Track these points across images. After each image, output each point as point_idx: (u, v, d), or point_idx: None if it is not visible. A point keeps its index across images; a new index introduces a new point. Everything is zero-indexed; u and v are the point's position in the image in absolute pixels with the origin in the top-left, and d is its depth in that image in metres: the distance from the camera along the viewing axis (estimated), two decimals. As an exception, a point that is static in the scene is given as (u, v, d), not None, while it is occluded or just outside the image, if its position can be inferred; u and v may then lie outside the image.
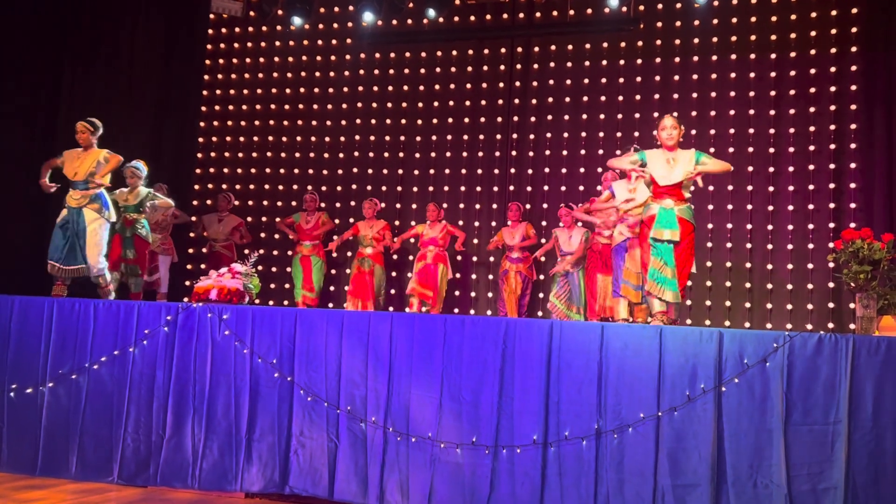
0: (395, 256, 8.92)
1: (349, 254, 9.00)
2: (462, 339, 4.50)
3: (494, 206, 8.77)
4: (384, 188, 9.15)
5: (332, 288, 9.13)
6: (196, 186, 9.52)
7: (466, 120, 9.02)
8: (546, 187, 8.65)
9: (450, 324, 4.54)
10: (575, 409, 4.27)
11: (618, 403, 4.22)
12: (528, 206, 8.62)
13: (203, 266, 8.63)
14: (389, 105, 9.27)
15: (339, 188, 9.25)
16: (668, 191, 4.96)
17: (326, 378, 4.67)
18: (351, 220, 8.85)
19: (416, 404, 4.51)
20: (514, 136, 8.87)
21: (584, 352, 4.32)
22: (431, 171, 9.03)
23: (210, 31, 9.80)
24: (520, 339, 4.42)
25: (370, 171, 9.22)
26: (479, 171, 8.92)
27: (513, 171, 8.82)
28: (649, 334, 4.26)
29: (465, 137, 9.00)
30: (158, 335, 4.94)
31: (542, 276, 8.34)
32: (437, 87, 9.15)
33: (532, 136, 8.82)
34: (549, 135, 8.74)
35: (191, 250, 8.99)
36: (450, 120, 9.07)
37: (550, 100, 8.79)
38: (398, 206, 9.12)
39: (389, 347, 4.61)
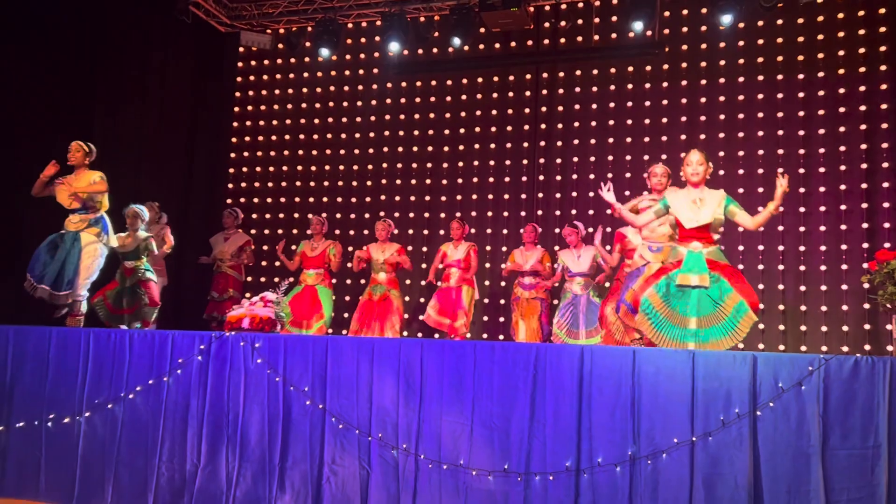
0: (421, 282, 8.74)
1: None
2: (492, 365, 4.49)
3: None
4: (412, 215, 9.22)
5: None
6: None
7: (493, 146, 9.10)
8: (574, 211, 8.67)
9: (479, 350, 4.55)
10: (608, 436, 4.24)
11: (651, 429, 4.18)
12: (556, 230, 8.61)
13: (213, 292, 8.28)
14: (416, 133, 9.38)
15: (366, 215, 9.34)
16: (695, 234, 4.72)
17: (358, 405, 4.70)
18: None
19: (447, 431, 4.50)
20: (541, 160, 8.94)
21: (616, 377, 4.28)
22: (459, 197, 9.12)
23: (240, 64, 10.03)
24: (550, 365, 4.40)
25: (397, 198, 9.32)
26: (506, 197, 8.99)
27: (540, 195, 8.88)
28: (682, 358, 4.23)
29: (492, 163, 9.08)
30: (192, 364, 5.00)
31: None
32: (463, 114, 9.26)
33: (559, 161, 8.87)
34: (575, 159, 8.79)
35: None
36: (476, 146, 9.16)
37: (577, 124, 8.85)
38: (426, 232, 9.18)
39: (420, 374, 4.59)
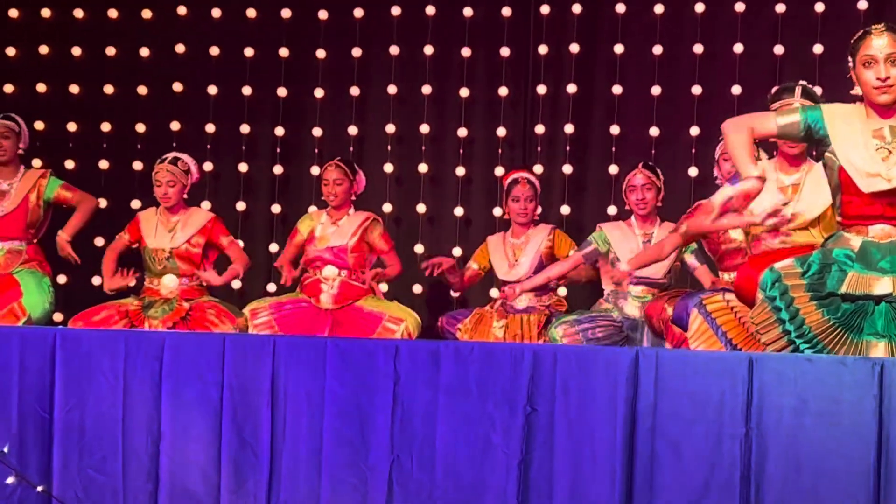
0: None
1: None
2: (435, 392, 4.62)
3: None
4: (246, 129, 9.43)
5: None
6: None
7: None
8: (615, 130, 8.93)
9: (407, 357, 4.67)
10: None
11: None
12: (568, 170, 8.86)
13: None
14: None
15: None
16: (883, 207, 4.79)
17: (127, 486, 4.81)
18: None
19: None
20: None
21: (711, 413, 4.33)
22: (356, 91, 9.42)
23: None
24: (566, 386, 4.49)
25: (212, 89, 9.37)
26: (465, 94, 9.22)
27: (542, 90, 9.25)
28: (856, 377, 4.23)
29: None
30: None
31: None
32: None
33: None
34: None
35: None
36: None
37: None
38: (277, 170, 9.36)
39: (271, 412, 4.73)
